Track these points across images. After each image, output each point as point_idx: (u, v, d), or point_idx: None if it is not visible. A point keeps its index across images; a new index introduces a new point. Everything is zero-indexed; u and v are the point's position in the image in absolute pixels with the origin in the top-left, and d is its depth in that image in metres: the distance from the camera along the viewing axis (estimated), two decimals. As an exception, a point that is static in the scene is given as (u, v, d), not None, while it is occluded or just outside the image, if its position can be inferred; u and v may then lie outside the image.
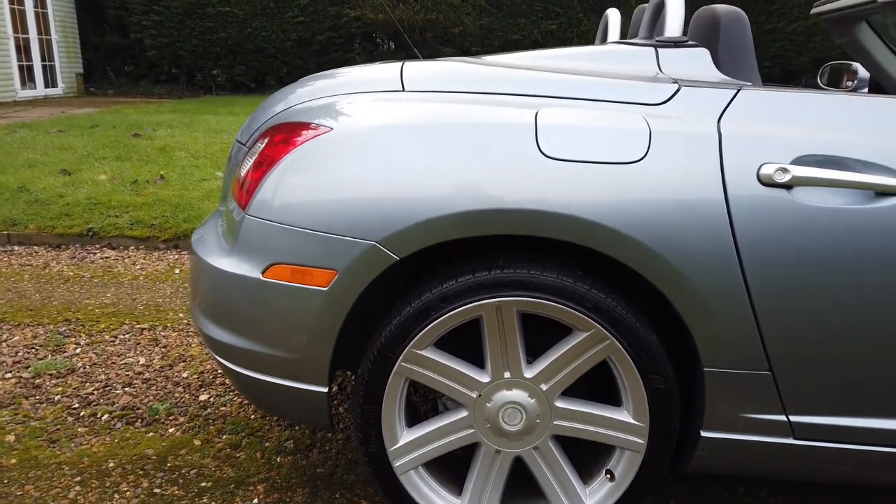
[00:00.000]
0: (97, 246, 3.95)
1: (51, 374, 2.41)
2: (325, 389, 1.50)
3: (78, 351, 2.61)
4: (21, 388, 2.31)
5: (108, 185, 4.82)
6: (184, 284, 3.38)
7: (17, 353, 2.58)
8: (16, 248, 3.92)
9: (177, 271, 3.57)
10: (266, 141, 1.57)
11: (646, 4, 2.38)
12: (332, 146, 1.43)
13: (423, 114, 1.43)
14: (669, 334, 1.48)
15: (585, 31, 14.04)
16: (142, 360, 2.54)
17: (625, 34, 2.56)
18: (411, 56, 15.03)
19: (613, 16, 2.44)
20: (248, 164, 1.59)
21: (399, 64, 1.70)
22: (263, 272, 1.46)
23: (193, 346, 2.68)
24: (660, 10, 1.83)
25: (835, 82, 3.21)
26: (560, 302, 1.38)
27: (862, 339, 1.34)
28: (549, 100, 1.44)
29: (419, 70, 1.62)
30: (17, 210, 4.22)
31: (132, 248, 3.96)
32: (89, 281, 3.40)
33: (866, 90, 2.89)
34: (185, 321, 2.92)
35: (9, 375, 2.40)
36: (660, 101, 1.41)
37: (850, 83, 3.18)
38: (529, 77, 1.50)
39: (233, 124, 8.34)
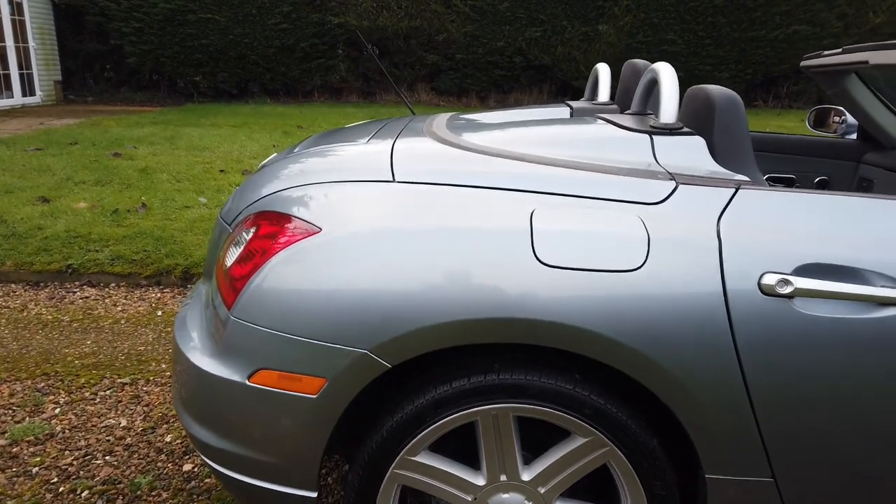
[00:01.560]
0: (77, 283, 3.86)
1: (28, 441, 2.33)
2: (314, 494, 1.45)
3: (57, 411, 2.53)
4: (-3, 458, 2.24)
5: (87, 214, 4.71)
6: (166, 329, 3.30)
7: (-7, 415, 2.51)
8: (-8, 286, 3.83)
9: (159, 313, 3.49)
10: (252, 231, 1.51)
11: (636, 60, 2.35)
12: (320, 249, 1.37)
13: (416, 214, 1.38)
14: (670, 436, 1.45)
15: (569, 39, 14.04)
16: (123, 422, 2.47)
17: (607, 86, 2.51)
18: (395, 64, 14.94)
19: (604, 71, 2.40)
20: (234, 253, 1.54)
21: (389, 146, 1.65)
22: (249, 377, 1.40)
23: (177, 403, 2.61)
24: (653, 85, 1.79)
25: (821, 122, 3.21)
26: (559, 409, 1.34)
27: (864, 448, 1.31)
28: (544, 197, 1.39)
29: (409, 157, 1.57)
30: (-7, 245, 4.12)
31: (113, 285, 3.87)
32: (69, 326, 3.32)
33: (854, 136, 2.88)
34: (168, 374, 2.85)
35: (-15, 443, 2.33)
36: (657, 201, 1.37)
37: (836, 118, 3.17)
38: (524, 171, 1.45)
39: (215, 139, 8.23)
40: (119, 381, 2.78)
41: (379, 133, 1.90)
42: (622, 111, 2.29)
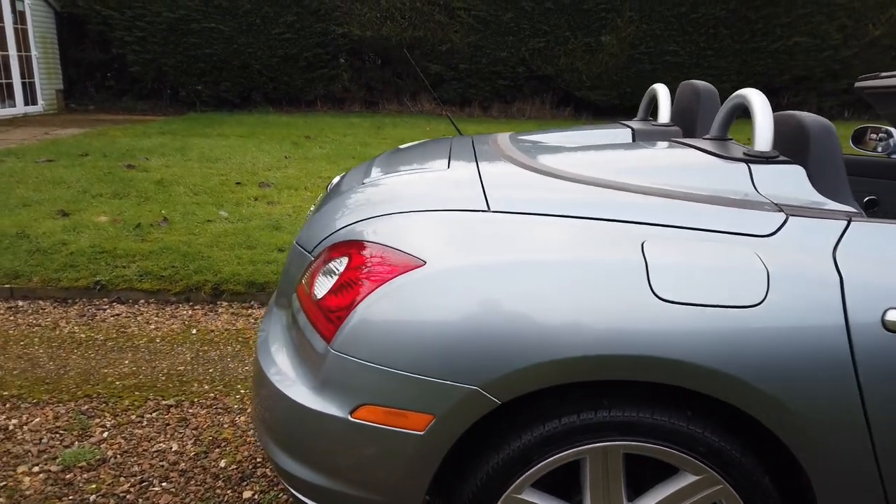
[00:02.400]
0: (106, 300, 3.82)
1: (81, 467, 2.29)
2: (415, 531, 1.42)
3: (105, 435, 2.49)
4: (52, 485, 2.19)
5: (110, 229, 4.67)
6: (203, 348, 3.26)
7: (40, 439, 2.46)
8: (20, 303, 3.77)
9: (193, 331, 3.45)
10: (345, 261, 1.48)
11: (695, 81, 2.34)
12: (426, 283, 1.35)
13: (522, 245, 1.36)
14: (779, 471, 1.43)
15: (572, 50, 14.09)
16: (174, 447, 2.43)
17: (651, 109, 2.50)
18: (398, 73, 14.95)
19: (663, 92, 2.38)
20: (325, 283, 1.51)
21: (474, 173, 1.63)
22: (352, 412, 1.37)
23: (225, 426, 2.58)
24: (736, 111, 1.77)
25: (858, 140, 3.20)
26: (671, 446, 1.32)
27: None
28: (652, 228, 1.37)
29: (499, 185, 1.55)
30: (18, 261, 4.07)
31: (142, 301, 3.82)
32: (103, 345, 3.27)
33: (903, 156, 2.88)
34: (212, 395, 2.81)
35: (36, 469, 2.28)
36: (769, 233, 1.35)
37: (874, 136, 3.17)
38: (625, 201, 1.44)
39: (226, 150, 8.19)
40: (164, 402, 2.74)
41: (453, 157, 1.88)
42: (684, 134, 2.28)
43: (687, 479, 1.35)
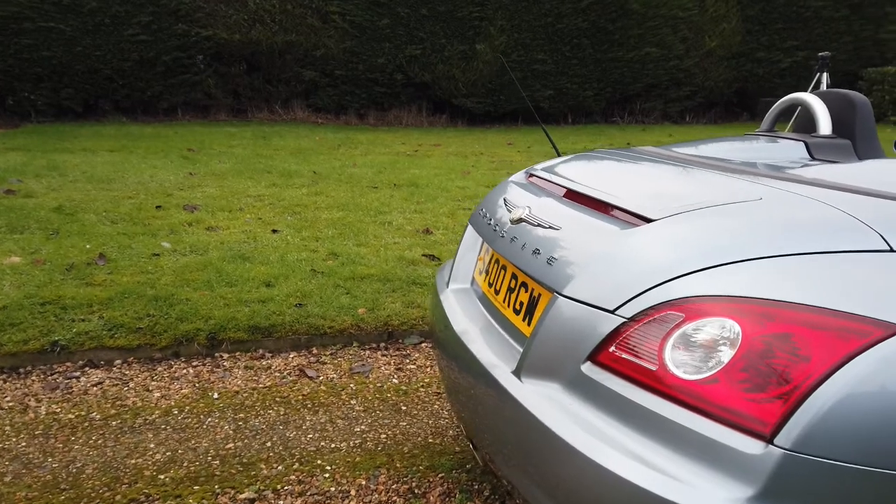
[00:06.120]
0: (72, 365, 3.04)
1: None
2: None
3: (195, 555, 1.91)
4: None
5: (36, 273, 3.78)
6: (239, 416, 2.67)
7: (109, 574, 1.82)
8: (-50, 378, 2.90)
9: (215, 395, 2.82)
10: (730, 327, 1.16)
11: (846, 91, 2.24)
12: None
13: None
14: None
15: (448, 57, 14.07)
16: (297, 557, 1.91)
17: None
18: (268, 79, 14.06)
19: (816, 101, 2.24)
20: (693, 357, 1.18)
21: (798, 199, 1.37)
22: (820, 528, 1.06)
23: (338, 518, 2.08)
24: None
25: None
26: None
27: None
28: None
29: (866, 214, 1.30)
30: (-68, 322, 3.14)
31: (120, 362, 3.09)
32: (106, 425, 2.57)
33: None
34: (294, 478, 2.27)
35: None
36: None
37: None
38: None
39: (108, 168, 7.12)
40: (241, 496, 2.17)
41: (705, 178, 1.60)
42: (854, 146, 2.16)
43: None
